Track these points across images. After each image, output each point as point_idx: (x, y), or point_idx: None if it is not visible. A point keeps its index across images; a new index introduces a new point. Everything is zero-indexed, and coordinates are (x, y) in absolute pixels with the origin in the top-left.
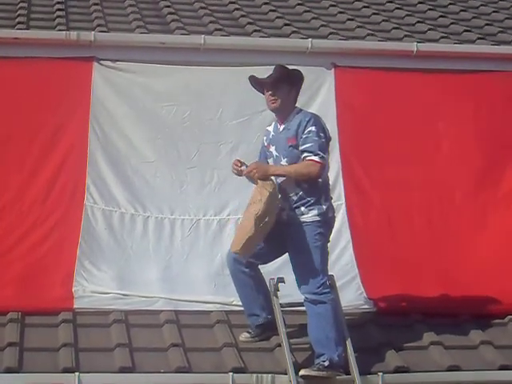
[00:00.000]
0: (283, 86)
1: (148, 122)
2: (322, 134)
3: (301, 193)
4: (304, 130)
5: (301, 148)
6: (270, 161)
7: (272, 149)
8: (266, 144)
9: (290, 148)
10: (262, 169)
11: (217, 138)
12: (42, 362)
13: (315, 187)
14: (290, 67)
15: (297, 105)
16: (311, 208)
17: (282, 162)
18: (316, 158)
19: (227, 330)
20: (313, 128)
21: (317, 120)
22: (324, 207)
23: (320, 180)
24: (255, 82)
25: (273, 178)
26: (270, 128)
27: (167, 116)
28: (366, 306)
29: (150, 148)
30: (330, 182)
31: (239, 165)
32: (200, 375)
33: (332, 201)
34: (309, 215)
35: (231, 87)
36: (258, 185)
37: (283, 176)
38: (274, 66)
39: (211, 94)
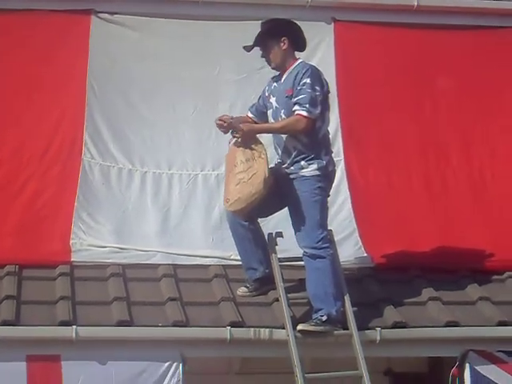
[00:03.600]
0: (269, 41)
1: (144, 80)
2: (316, 87)
3: (300, 147)
4: (300, 82)
5: (293, 100)
6: (270, 112)
7: (272, 100)
8: (266, 94)
9: (286, 98)
10: (248, 128)
11: (215, 95)
12: (40, 315)
13: (315, 141)
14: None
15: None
16: (311, 162)
17: (281, 113)
18: (304, 113)
19: (225, 284)
20: (307, 80)
21: (314, 72)
22: (324, 161)
23: (320, 134)
24: (248, 48)
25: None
26: (274, 79)
27: (164, 74)
28: (365, 262)
29: (147, 105)
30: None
31: (225, 121)
32: (197, 329)
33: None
34: (308, 169)
35: (230, 42)
36: (245, 144)
37: (269, 133)
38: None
39: (209, 49)
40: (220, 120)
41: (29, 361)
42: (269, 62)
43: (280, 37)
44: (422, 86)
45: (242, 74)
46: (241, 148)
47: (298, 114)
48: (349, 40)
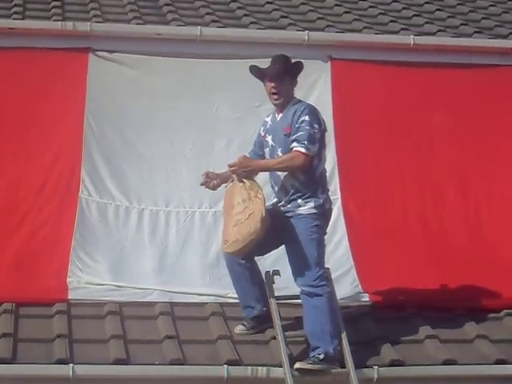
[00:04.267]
0: (286, 78)
1: (142, 117)
2: (315, 125)
3: (297, 185)
4: (298, 119)
5: (291, 137)
6: (266, 150)
7: (268, 138)
8: (262, 134)
9: (284, 137)
10: (244, 166)
11: (212, 132)
12: (36, 353)
13: (312, 179)
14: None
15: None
16: (308, 200)
17: (278, 152)
18: (302, 149)
19: (222, 322)
20: (306, 117)
21: (312, 110)
22: (321, 199)
23: (317, 172)
24: (257, 71)
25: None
26: (268, 118)
27: (162, 111)
28: (362, 299)
29: (144, 142)
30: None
31: (208, 179)
32: (195, 367)
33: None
34: (305, 207)
35: (227, 81)
36: (242, 183)
37: (266, 170)
38: (272, 57)
39: (207, 87)
40: (206, 176)
41: None
42: (277, 96)
43: (294, 76)
44: (418, 123)
45: (240, 111)
46: (237, 189)
47: (296, 151)
48: (345, 78)
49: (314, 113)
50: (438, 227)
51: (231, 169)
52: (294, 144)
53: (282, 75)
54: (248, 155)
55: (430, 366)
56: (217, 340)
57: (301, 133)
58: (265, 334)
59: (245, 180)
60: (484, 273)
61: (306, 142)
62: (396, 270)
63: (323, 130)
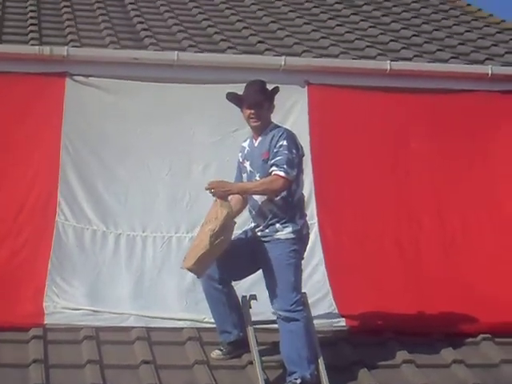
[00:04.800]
0: (265, 103)
1: (119, 141)
2: (293, 150)
3: (275, 210)
4: (276, 144)
5: (270, 162)
6: (245, 176)
7: (247, 164)
8: (241, 160)
9: (262, 162)
10: (222, 186)
11: (189, 157)
12: (12, 379)
13: (290, 204)
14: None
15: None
16: (286, 225)
17: (256, 177)
18: (281, 173)
19: (199, 347)
20: (284, 142)
21: (290, 135)
22: (299, 225)
23: (295, 197)
24: (234, 97)
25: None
26: (245, 144)
27: (139, 135)
28: (339, 324)
29: (121, 166)
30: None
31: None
32: None
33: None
34: (283, 232)
35: (204, 105)
36: (216, 203)
37: (244, 193)
38: (247, 82)
39: (184, 112)
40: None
41: None
42: (255, 120)
43: (271, 101)
44: (395, 148)
45: (217, 136)
46: (212, 208)
47: (275, 174)
48: (322, 103)
49: (291, 138)
50: (414, 252)
51: (207, 187)
52: (273, 168)
53: (260, 102)
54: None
55: None
56: (193, 365)
57: (279, 157)
58: (241, 358)
59: (219, 200)
60: (461, 297)
61: (285, 166)
62: (373, 294)
63: (301, 155)
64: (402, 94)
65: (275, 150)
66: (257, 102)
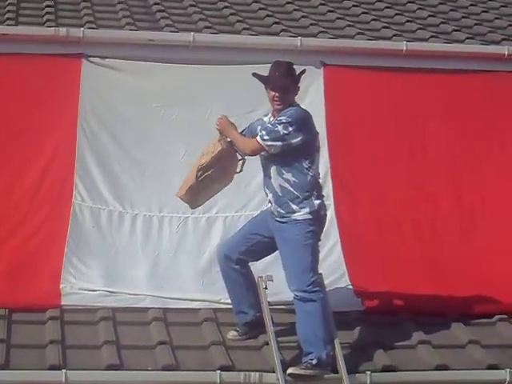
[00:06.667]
0: (290, 87)
1: (135, 122)
2: (290, 128)
3: (290, 189)
4: (277, 118)
5: None
6: (263, 152)
7: (259, 132)
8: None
9: None
10: (225, 124)
11: (205, 139)
12: (29, 359)
13: (303, 182)
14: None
15: None
16: (303, 206)
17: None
18: (258, 138)
19: (215, 327)
20: (283, 118)
21: (295, 113)
22: (316, 205)
23: (308, 175)
24: (260, 77)
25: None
26: (266, 118)
27: (155, 116)
28: (354, 305)
29: (137, 147)
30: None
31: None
32: (187, 373)
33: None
34: (300, 213)
35: (220, 86)
36: (216, 137)
37: (233, 140)
38: (274, 62)
39: (200, 93)
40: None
41: None
42: (279, 103)
43: (297, 84)
44: (411, 129)
45: (232, 117)
46: (213, 141)
47: (255, 138)
48: (338, 84)
49: (297, 117)
50: (431, 233)
51: (216, 122)
52: (258, 133)
53: (285, 86)
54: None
55: (423, 372)
56: (210, 346)
57: (269, 125)
58: (257, 339)
59: (219, 135)
60: (477, 278)
61: (263, 132)
62: (389, 275)
63: (308, 137)
64: (417, 74)
65: (273, 122)
66: (282, 85)
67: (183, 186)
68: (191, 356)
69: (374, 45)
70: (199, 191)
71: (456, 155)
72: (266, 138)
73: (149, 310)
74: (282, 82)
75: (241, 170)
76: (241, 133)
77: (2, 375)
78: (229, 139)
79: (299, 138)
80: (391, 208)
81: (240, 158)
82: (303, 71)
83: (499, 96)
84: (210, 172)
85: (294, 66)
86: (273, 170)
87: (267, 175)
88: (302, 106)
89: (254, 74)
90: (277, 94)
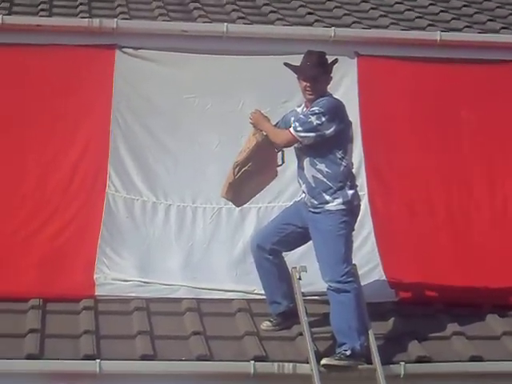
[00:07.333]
0: (321, 77)
1: (169, 112)
2: (322, 118)
3: (323, 179)
4: (310, 109)
5: None
6: (297, 144)
7: (293, 123)
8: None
9: None
10: (258, 117)
11: (238, 129)
12: (63, 349)
13: (336, 172)
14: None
15: None
16: (336, 196)
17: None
18: (291, 130)
19: (249, 318)
20: (316, 109)
21: (328, 103)
22: (349, 195)
23: (341, 165)
24: (292, 67)
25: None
26: (299, 109)
27: (188, 107)
28: (388, 296)
29: (170, 138)
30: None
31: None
32: (221, 363)
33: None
34: (334, 203)
35: (253, 77)
36: (251, 132)
37: (267, 133)
38: (306, 52)
39: (233, 84)
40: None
41: None
42: (311, 92)
43: (329, 74)
44: (445, 119)
45: (266, 108)
46: (249, 137)
47: (288, 129)
48: (372, 74)
49: (330, 107)
50: (465, 222)
51: (250, 116)
52: (292, 124)
53: (316, 76)
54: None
55: (457, 363)
56: (243, 336)
57: (302, 116)
58: (291, 330)
59: (253, 129)
60: (511, 268)
61: (297, 124)
62: (423, 266)
63: (341, 127)
64: (452, 64)
65: (306, 113)
66: (313, 75)
67: (224, 185)
68: (225, 346)
69: (407, 35)
70: (241, 188)
71: (490, 144)
72: (299, 129)
73: (182, 300)
74: (313, 72)
75: (283, 162)
76: (275, 125)
77: (37, 365)
78: (264, 133)
79: (332, 129)
80: (425, 198)
81: (278, 149)
82: (335, 60)
83: None
84: (247, 167)
85: (329, 57)
86: (306, 160)
87: (301, 166)
88: (336, 96)
89: (286, 64)
90: (308, 84)
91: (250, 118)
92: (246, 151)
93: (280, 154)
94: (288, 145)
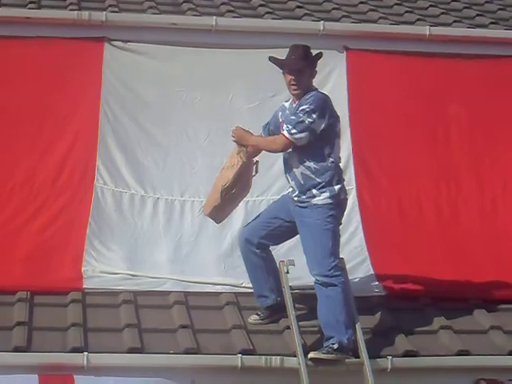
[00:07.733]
0: (306, 70)
1: (157, 106)
2: (313, 115)
3: (310, 174)
4: (299, 107)
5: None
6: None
7: (284, 126)
8: (280, 120)
9: None
10: (240, 133)
11: (227, 122)
12: (51, 342)
13: (324, 168)
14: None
15: None
16: (323, 190)
17: None
18: (284, 133)
19: (236, 311)
20: (306, 106)
21: (317, 100)
22: (336, 189)
23: (328, 160)
24: (276, 61)
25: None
26: (287, 104)
27: (177, 100)
28: (376, 290)
29: (159, 131)
30: (341, 167)
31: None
32: (209, 356)
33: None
34: (320, 197)
35: (242, 70)
36: (235, 149)
37: (253, 146)
38: (290, 46)
39: (222, 77)
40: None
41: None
42: (296, 87)
43: (313, 67)
44: (433, 114)
45: (255, 101)
46: (232, 154)
47: (281, 133)
48: (361, 68)
49: (318, 103)
50: (452, 217)
51: (231, 134)
52: (283, 127)
53: (301, 69)
54: (263, 129)
55: (444, 357)
56: (231, 329)
57: (292, 117)
58: (279, 323)
59: (237, 147)
60: (499, 263)
61: (290, 126)
62: (411, 260)
63: (330, 122)
64: (440, 59)
65: (296, 112)
66: (298, 68)
67: (208, 204)
68: (212, 340)
69: (396, 29)
70: (224, 208)
71: (478, 140)
72: (293, 131)
73: (170, 293)
74: (298, 65)
75: (256, 172)
76: (265, 125)
77: (24, 357)
78: (247, 150)
79: (323, 124)
80: (413, 193)
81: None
82: (320, 54)
83: None
84: (233, 191)
85: (317, 51)
86: (294, 159)
87: (288, 164)
88: (325, 91)
89: (271, 58)
90: (293, 78)
91: (232, 135)
92: (231, 171)
93: (254, 165)
94: (285, 149)
